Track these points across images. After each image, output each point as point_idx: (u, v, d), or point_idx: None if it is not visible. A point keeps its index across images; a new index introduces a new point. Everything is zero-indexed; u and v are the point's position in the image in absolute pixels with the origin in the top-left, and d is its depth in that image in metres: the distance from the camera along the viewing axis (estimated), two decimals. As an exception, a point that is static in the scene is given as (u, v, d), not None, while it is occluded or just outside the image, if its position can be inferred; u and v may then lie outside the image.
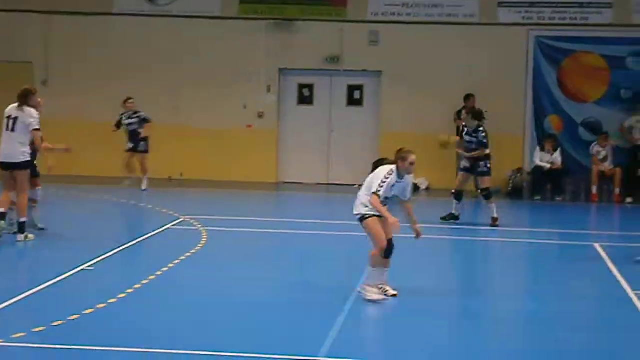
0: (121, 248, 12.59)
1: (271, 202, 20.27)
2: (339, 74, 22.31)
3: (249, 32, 22.12)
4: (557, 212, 19.13)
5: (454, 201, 16.11)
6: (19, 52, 22.36)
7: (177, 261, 11.75)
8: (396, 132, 20.74)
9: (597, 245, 13.96)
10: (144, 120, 19.81)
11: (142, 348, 7.83)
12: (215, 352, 7.73)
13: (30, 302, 9.44)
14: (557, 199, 20.50)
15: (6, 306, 9.11)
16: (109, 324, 8.62)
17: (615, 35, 21.42)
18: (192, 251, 12.51)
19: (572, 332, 8.94)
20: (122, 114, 19.89)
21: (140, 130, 19.81)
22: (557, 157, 20.71)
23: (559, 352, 8.26)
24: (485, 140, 15.97)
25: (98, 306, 9.12)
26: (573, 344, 8.52)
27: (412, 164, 9.77)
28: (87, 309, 8.95)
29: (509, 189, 21.05)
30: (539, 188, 20.72)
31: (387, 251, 9.77)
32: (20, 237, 12.79)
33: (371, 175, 9.89)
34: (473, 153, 16.08)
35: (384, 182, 9.68)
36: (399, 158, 9.79)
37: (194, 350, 7.76)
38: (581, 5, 21.55)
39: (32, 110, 12.84)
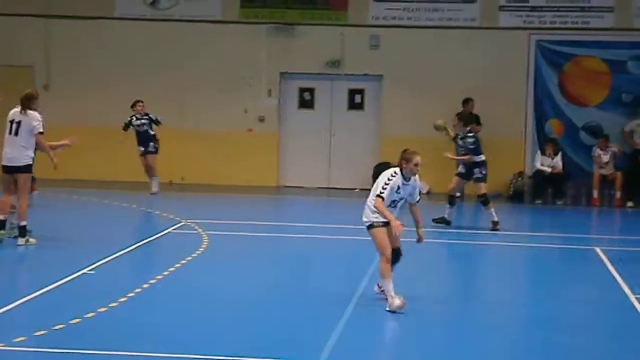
0: (122, 252, 12.58)
1: (272, 206, 20.27)
2: (339, 78, 22.32)
3: (249, 36, 22.14)
4: (558, 216, 19.13)
5: (447, 205, 16.09)
6: (20, 57, 22.37)
7: (178, 265, 11.75)
8: (397, 136, 20.73)
9: (598, 249, 13.95)
10: (154, 122, 19.79)
11: (143, 352, 7.83)
12: (215, 356, 7.73)
13: (31, 306, 9.44)
14: (558, 202, 20.50)
15: (7, 310, 9.10)
16: (110, 327, 8.61)
17: (617, 39, 21.43)
18: (193, 255, 12.50)
19: (572, 336, 8.93)
20: (132, 116, 19.83)
21: (151, 131, 19.80)
22: (558, 161, 20.71)
23: (559, 357, 8.26)
24: (472, 147, 15.88)
25: (99, 310, 9.12)
26: (574, 348, 8.51)
27: (416, 165, 9.64)
28: (88, 313, 8.95)
29: (510, 193, 21.06)
30: (540, 192, 20.72)
31: (394, 258, 9.69)
32: (21, 241, 12.79)
33: (376, 182, 9.79)
34: (460, 157, 16.11)
35: (387, 184, 9.56)
36: (404, 159, 9.66)
37: (194, 354, 7.75)
38: (582, 9, 21.56)
39: (36, 114, 12.91)
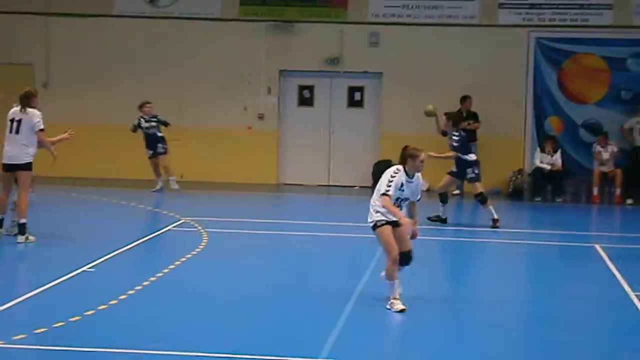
0: (122, 249, 12.59)
1: (272, 204, 20.27)
2: (339, 76, 22.32)
3: (249, 33, 22.13)
4: (558, 214, 19.13)
5: (440, 204, 16.03)
6: (20, 54, 22.36)
7: (178, 262, 11.75)
8: (397, 134, 20.71)
9: (597, 247, 13.96)
10: (162, 123, 19.76)
11: (143, 349, 7.83)
12: (214, 353, 7.73)
13: (31, 303, 9.45)
14: (558, 200, 20.50)
15: (7, 308, 9.11)
16: (110, 325, 8.62)
17: (616, 36, 21.42)
18: (193, 253, 12.50)
19: (572, 333, 8.94)
20: (140, 117, 19.77)
21: (159, 134, 19.77)
22: (558, 158, 20.71)
23: (559, 355, 8.27)
24: (457, 144, 15.76)
25: (99, 307, 9.12)
26: (573, 346, 8.52)
27: (422, 161, 9.56)
28: (88, 310, 8.95)
29: (510, 190, 21.06)
30: (539, 189, 20.73)
31: (403, 261, 9.59)
32: (21, 238, 12.81)
33: (379, 181, 9.66)
34: (443, 155, 15.85)
35: (391, 181, 9.42)
36: (409, 156, 9.52)
37: (194, 352, 7.76)
38: (581, 6, 21.55)
39: (36, 111, 13.00)
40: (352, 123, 22.34)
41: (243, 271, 11.73)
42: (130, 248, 12.85)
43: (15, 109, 13.02)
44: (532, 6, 21.66)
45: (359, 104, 22.54)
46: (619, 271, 11.97)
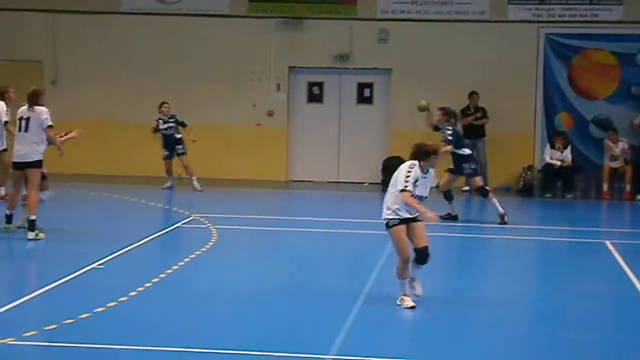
0: (131, 246, 12.60)
1: (281, 201, 20.26)
2: (348, 72, 22.29)
3: (258, 30, 22.12)
4: (568, 209, 19.10)
5: (447, 202, 15.99)
6: (29, 52, 22.39)
7: (187, 259, 11.77)
8: (406, 130, 20.69)
9: (607, 242, 13.93)
10: (180, 124, 19.74)
11: (153, 346, 7.85)
12: (224, 350, 7.74)
13: (41, 300, 9.47)
14: (568, 196, 20.45)
15: (17, 304, 9.14)
16: (120, 322, 8.64)
17: (626, 32, 21.35)
18: (202, 249, 12.51)
19: (579, 331, 8.90)
20: (159, 119, 19.74)
21: (177, 135, 19.74)
22: (568, 154, 20.66)
23: (566, 353, 8.25)
24: (449, 138, 15.66)
25: (109, 304, 9.14)
26: (580, 344, 8.50)
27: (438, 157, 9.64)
28: (98, 307, 8.97)
29: (520, 186, 21.01)
30: (549, 185, 20.67)
31: (420, 258, 9.56)
32: (31, 235, 12.84)
33: (393, 177, 9.61)
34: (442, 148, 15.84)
35: (408, 176, 9.37)
36: (432, 152, 9.52)
37: (204, 348, 7.77)
38: (591, 2, 21.48)
39: (43, 109, 13.09)
40: (361, 119, 22.32)
41: (251, 268, 11.73)
42: (140, 245, 12.86)
43: (24, 107, 13.15)
44: (542, 2, 21.60)
45: (368, 100, 22.51)
46: (629, 267, 11.93)
